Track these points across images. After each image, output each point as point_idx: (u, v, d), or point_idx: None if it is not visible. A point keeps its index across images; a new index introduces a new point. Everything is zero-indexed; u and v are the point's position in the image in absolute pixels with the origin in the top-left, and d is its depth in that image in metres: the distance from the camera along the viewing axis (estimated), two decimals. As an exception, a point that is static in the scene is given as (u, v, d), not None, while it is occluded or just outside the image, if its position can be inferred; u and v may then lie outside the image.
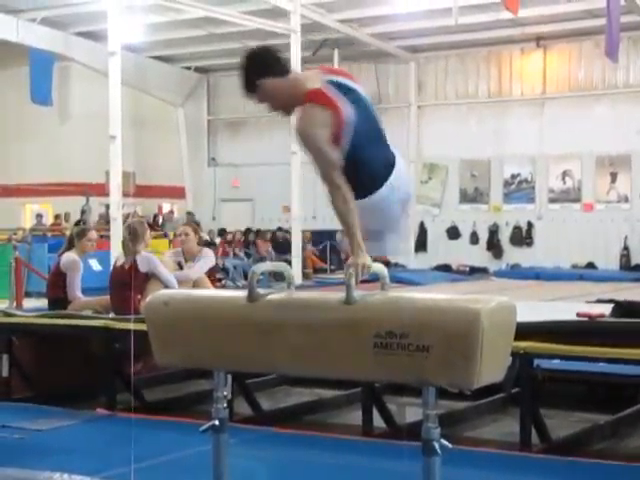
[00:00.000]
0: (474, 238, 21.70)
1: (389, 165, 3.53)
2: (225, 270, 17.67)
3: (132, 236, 6.88)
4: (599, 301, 9.88)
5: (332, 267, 20.24)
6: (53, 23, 19.17)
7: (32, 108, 20.31)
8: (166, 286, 6.51)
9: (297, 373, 3.68)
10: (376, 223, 3.52)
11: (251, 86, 3.43)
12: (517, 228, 21.37)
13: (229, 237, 20.23)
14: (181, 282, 6.90)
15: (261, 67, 3.41)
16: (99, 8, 15.90)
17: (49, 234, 19.32)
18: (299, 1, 17.47)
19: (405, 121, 22.22)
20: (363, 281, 3.11)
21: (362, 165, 3.40)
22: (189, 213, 22.34)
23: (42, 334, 6.30)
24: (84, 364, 6.13)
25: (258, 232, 20.71)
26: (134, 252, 6.84)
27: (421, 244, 22.12)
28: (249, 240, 20.24)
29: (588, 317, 5.04)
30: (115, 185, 14.14)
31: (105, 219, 19.15)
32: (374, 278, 3.10)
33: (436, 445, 2.69)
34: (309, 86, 3.38)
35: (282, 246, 19.66)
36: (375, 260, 3.22)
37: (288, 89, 3.41)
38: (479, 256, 21.39)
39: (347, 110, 3.35)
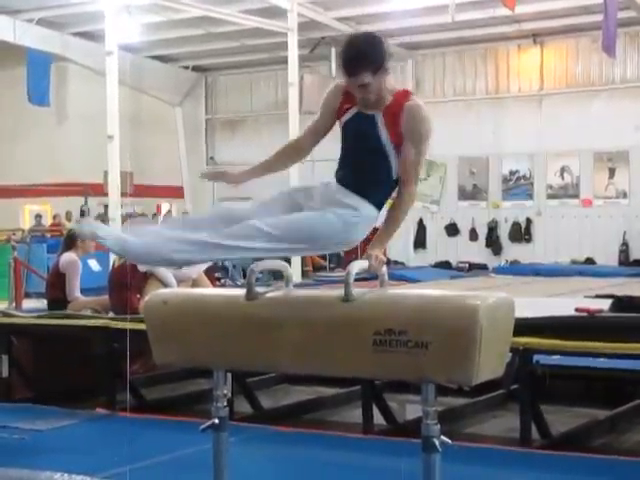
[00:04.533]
0: (473, 235, 21.69)
1: None
2: (224, 269, 17.66)
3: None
4: (598, 296, 9.83)
5: (331, 265, 20.21)
6: (50, 24, 19.14)
7: (29, 109, 20.30)
8: (165, 285, 6.51)
9: (296, 371, 3.68)
10: None
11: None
12: (516, 224, 21.36)
13: (228, 236, 20.18)
14: (180, 281, 6.89)
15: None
16: (96, 8, 15.89)
17: (48, 234, 19.31)
18: (296, -1, 17.46)
19: (403, 118, 22.21)
20: (362, 279, 3.11)
21: None
22: (185, 213, 22.29)
23: (41, 334, 6.29)
24: (84, 364, 6.13)
25: (257, 231, 20.60)
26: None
27: (420, 241, 22.12)
28: (248, 239, 20.18)
29: (587, 312, 5.03)
30: (113, 185, 14.12)
31: (102, 219, 19.12)
32: (373, 276, 3.10)
33: (436, 442, 2.69)
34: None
35: (281, 245, 19.57)
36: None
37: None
38: (478, 253, 21.37)
39: None
